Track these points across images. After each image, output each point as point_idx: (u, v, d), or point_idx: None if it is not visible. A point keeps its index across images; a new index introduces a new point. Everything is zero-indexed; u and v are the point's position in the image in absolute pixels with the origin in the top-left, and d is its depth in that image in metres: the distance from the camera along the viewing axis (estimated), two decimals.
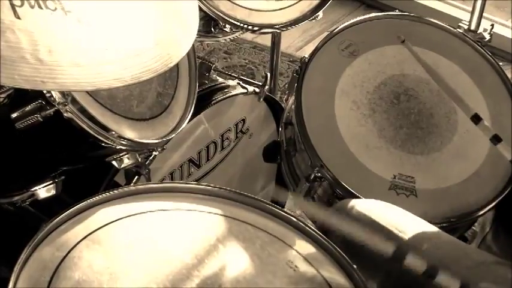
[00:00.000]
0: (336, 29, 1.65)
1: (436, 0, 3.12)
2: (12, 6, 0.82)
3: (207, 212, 1.13)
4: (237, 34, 1.72)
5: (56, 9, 0.86)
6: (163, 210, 1.11)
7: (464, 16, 2.42)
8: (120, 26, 0.92)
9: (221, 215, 1.13)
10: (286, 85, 2.73)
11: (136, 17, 0.94)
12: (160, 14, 0.98)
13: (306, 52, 2.93)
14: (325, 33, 2.94)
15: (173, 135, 1.33)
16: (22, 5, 0.83)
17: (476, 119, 1.42)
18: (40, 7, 0.85)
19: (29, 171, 1.33)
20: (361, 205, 1.27)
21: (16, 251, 1.23)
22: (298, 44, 3.01)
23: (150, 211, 1.10)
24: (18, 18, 0.82)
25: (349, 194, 1.44)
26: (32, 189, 1.32)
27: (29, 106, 1.14)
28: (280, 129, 1.67)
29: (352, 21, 1.66)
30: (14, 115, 1.15)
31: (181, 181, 1.23)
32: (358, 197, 1.42)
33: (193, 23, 1.00)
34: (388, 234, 1.19)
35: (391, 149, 1.52)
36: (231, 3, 1.55)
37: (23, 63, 0.79)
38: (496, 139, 1.38)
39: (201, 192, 1.16)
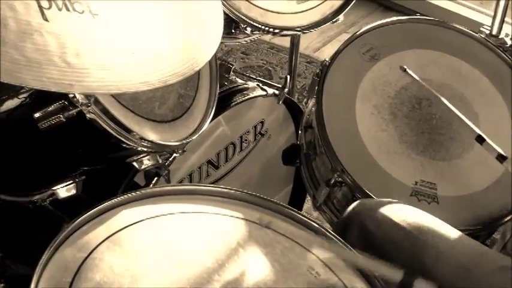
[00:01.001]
0: (357, 32, 1.64)
1: (456, 4, 3.11)
2: (41, 8, 0.82)
3: (227, 215, 1.12)
4: (256, 35, 1.72)
5: (83, 12, 0.86)
6: (184, 212, 1.11)
7: (486, 20, 2.41)
8: (146, 30, 0.92)
9: (242, 218, 1.12)
10: (304, 86, 2.74)
11: (162, 21, 0.94)
12: (186, 18, 0.97)
13: (324, 53, 2.95)
14: (343, 35, 2.98)
15: (194, 138, 1.33)
16: (50, 7, 0.83)
17: (480, 139, 1.44)
18: (68, 10, 0.85)
19: (50, 171, 1.34)
20: (382, 206, 1.26)
21: (34, 249, 1.24)
22: (316, 45, 3.00)
23: (171, 213, 1.10)
24: (46, 20, 0.82)
25: None
26: (53, 189, 1.32)
27: (52, 106, 1.14)
28: (299, 132, 1.66)
29: (373, 24, 1.65)
30: (36, 115, 1.16)
31: (202, 184, 1.23)
32: None
33: (218, 26, 1.00)
34: (408, 235, 1.18)
35: (412, 154, 1.51)
36: (252, 5, 1.55)
37: (50, 66, 0.78)
38: (501, 158, 1.41)
39: (222, 195, 1.15)
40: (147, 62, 0.88)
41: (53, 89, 0.77)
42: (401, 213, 1.24)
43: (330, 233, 1.13)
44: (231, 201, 1.15)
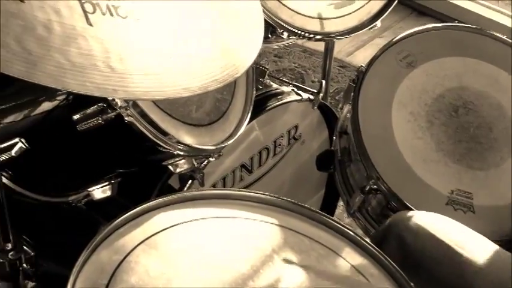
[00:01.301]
0: (394, 38, 1.63)
1: (492, 10, 3.08)
2: (85, 13, 0.83)
3: (262, 221, 1.12)
4: (292, 40, 1.71)
5: (126, 16, 0.86)
6: (219, 217, 1.11)
7: None
8: (188, 35, 0.92)
9: (277, 224, 1.12)
10: (337, 90, 2.73)
11: (203, 26, 0.94)
12: (227, 23, 0.97)
13: (357, 57, 2.94)
14: (376, 39, 2.96)
15: (230, 142, 1.33)
16: (94, 11, 0.83)
17: None
18: (111, 14, 0.85)
19: (86, 172, 1.35)
20: (419, 217, 1.25)
21: (67, 249, 1.25)
22: (348, 49, 2.99)
23: (206, 218, 1.10)
24: (90, 25, 0.82)
25: (404, 208, 1.41)
26: (88, 190, 1.33)
27: (91, 109, 1.15)
28: (334, 137, 1.65)
29: (410, 31, 1.64)
30: (75, 117, 1.16)
31: (237, 188, 1.23)
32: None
33: (259, 32, 1.00)
34: (447, 250, 1.17)
35: (449, 163, 1.50)
36: (290, 10, 1.54)
37: (94, 71, 0.79)
38: None
39: (258, 201, 1.15)
40: (188, 68, 0.88)
41: (97, 94, 0.77)
42: (439, 227, 1.23)
43: (365, 241, 1.12)
44: (266, 206, 1.15)
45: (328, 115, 1.81)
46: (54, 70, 0.76)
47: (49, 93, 1.24)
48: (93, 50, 0.80)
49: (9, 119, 1.27)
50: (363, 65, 1.59)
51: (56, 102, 1.26)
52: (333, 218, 1.15)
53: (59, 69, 0.77)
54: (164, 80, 0.84)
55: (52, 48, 0.78)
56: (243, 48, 0.96)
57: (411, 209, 1.41)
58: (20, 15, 0.78)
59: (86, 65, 0.78)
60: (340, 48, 2.94)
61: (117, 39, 0.83)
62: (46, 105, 1.27)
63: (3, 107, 1.24)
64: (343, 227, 1.13)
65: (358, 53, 2.98)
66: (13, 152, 1.22)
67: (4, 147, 1.21)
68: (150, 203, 1.08)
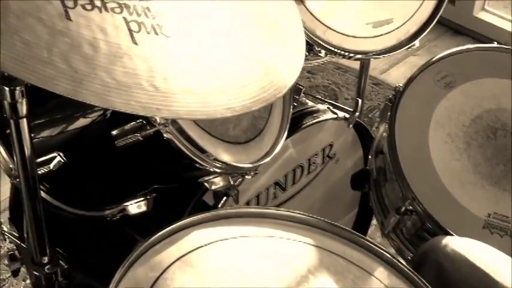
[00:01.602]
0: (432, 58, 1.62)
1: None
2: (130, 31, 0.83)
3: (298, 240, 1.11)
4: (328, 58, 1.71)
5: (170, 36, 0.87)
6: (255, 236, 1.11)
7: None
8: (231, 55, 0.92)
9: (312, 244, 1.11)
10: (370, 108, 2.72)
11: (246, 46, 0.94)
12: (269, 43, 0.97)
13: (391, 75, 2.92)
14: (411, 57, 2.94)
15: (266, 160, 1.33)
16: (139, 30, 0.84)
17: None
18: (156, 33, 0.85)
19: (122, 187, 1.35)
20: (456, 243, 1.24)
21: (101, 263, 1.25)
22: (382, 66, 2.97)
23: (241, 236, 1.10)
24: (135, 43, 0.82)
25: (440, 230, 1.40)
26: (124, 204, 1.33)
27: (129, 125, 1.16)
28: (370, 157, 1.64)
29: (449, 51, 1.63)
30: (114, 132, 1.17)
31: (273, 207, 1.22)
32: (450, 234, 1.38)
33: (301, 50, 1.00)
34: (484, 277, 1.16)
35: (486, 185, 1.48)
36: (328, 28, 1.54)
37: (139, 90, 0.79)
38: None
39: (293, 220, 1.15)
40: (231, 87, 0.88)
41: (141, 113, 0.78)
42: (476, 253, 1.22)
43: (401, 263, 1.11)
44: (301, 226, 1.14)
45: (363, 134, 1.80)
46: (100, 88, 0.77)
47: (86, 108, 1.25)
48: (137, 68, 0.81)
49: (47, 133, 1.29)
50: (400, 84, 1.58)
51: (92, 118, 1.28)
52: (370, 239, 1.14)
53: (104, 87, 0.77)
54: (207, 100, 0.84)
55: (98, 66, 0.78)
56: (285, 68, 0.96)
57: (447, 231, 1.39)
58: (67, 33, 0.79)
59: (130, 83, 0.79)
60: (374, 65, 2.92)
61: (161, 58, 0.84)
62: (83, 121, 1.28)
63: (41, 121, 1.25)
64: (379, 249, 1.12)
65: (392, 71, 2.96)
66: (51, 166, 1.24)
67: (42, 160, 1.23)
68: (186, 220, 1.08)
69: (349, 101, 2.87)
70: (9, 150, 1.29)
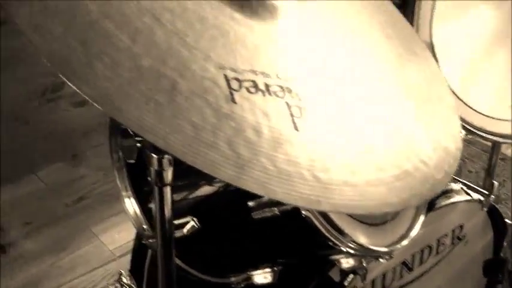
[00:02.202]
0: None
1: None
2: (292, 116, 0.81)
3: None
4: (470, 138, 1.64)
5: (329, 122, 0.84)
6: None
7: None
8: (391, 145, 0.89)
9: None
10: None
11: (404, 136, 0.91)
12: (430, 133, 0.93)
13: None
14: None
15: (404, 244, 1.28)
16: (301, 116, 0.82)
17: None
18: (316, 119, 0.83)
19: (251, 256, 1.33)
20: None
21: None
22: None
23: None
24: (297, 130, 0.80)
25: None
26: (251, 273, 1.31)
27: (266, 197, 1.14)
28: (504, 244, 1.56)
29: None
30: (250, 204, 1.16)
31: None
32: None
33: (458, 145, 0.95)
34: None
35: None
36: (470, 109, 1.48)
37: (299, 179, 0.76)
38: None
39: None
40: (389, 181, 0.84)
41: (300, 204, 0.75)
42: None
43: None
44: None
45: (495, 217, 1.72)
46: (261, 176, 0.74)
47: (209, 178, 1.24)
48: (298, 156, 0.78)
49: (181, 196, 1.29)
50: None
51: (227, 184, 1.27)
52: None
53: (265, 175, 0.75)
54: (365, 193, 0.80)
55: (260, 152, 0.76)
56: (445, 156, 0.91)
57: None
58: (232, 116, 0.77)
59: (291, 172, 0.76)
60: None
61: (322, 146, 0.81)
62: (205, 189, 1.28)
63: (178, 184, 1.26)
64: None
65: None
66: (185, 231, 1.23)
67: (177, 224, 1.23)
68: None
69: (473, 173, 2.77)
70: (142, 207, 1.30)
